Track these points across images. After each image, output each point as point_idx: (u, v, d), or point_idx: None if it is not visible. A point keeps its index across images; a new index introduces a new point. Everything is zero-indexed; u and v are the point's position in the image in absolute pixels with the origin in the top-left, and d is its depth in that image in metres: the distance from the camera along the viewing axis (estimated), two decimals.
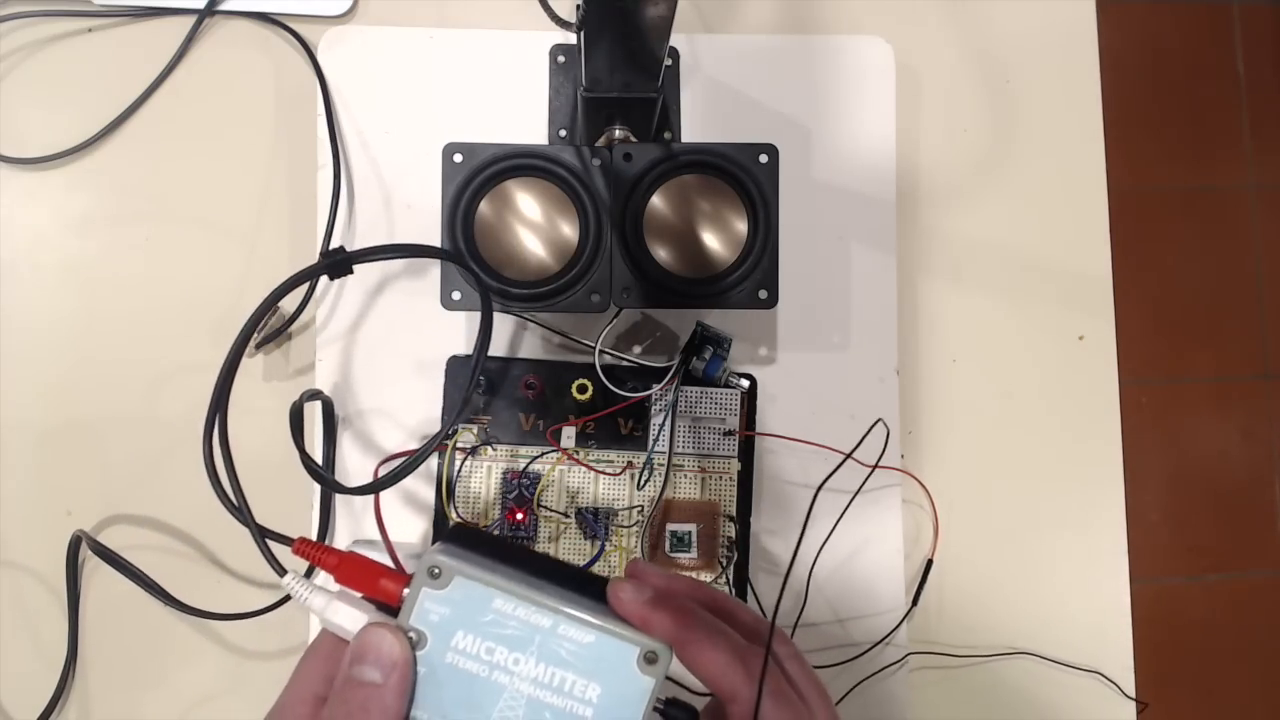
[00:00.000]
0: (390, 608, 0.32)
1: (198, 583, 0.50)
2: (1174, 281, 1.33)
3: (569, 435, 0.50)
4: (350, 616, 0.32)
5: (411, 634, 0.31)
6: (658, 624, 0.31)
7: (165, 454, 0.51)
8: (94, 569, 0.50)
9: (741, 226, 0.46)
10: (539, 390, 0.50)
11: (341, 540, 0.50)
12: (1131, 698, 0.52)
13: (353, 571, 0.33)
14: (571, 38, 0.53)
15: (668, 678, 0.31)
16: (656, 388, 0.49)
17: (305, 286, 0.51)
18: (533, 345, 0.51)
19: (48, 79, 0.53)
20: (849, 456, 0.41)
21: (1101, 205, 0.55)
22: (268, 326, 0.50)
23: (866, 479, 0.45)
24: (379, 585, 0.33)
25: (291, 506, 0.50)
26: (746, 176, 0.45)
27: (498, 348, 0.51)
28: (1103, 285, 0.54)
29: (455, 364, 0.50)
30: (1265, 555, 1.31)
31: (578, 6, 0.39)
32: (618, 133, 0.47)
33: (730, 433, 0.50)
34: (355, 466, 0.50)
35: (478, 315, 0.51)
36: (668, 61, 0.52)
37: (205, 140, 0.53)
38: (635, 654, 0.31)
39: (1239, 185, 1.37)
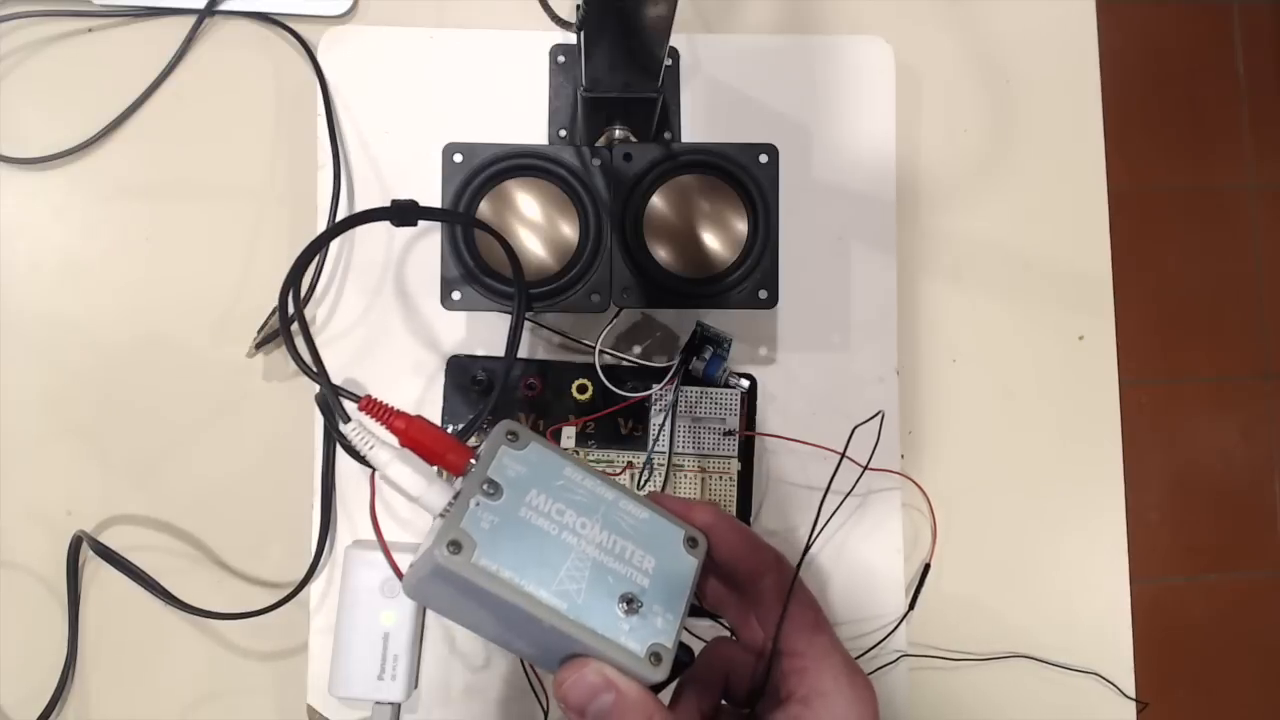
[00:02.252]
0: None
1: (198, 582, 0.50)
2: (1174, 281, 1.33)
3: (569, 435, 0.50)
4: (411, 476, 0.33)
5: (486, 485, 0.31)
6: (697, 513, 0.34)
7: (166, 454, 0.51)
8: (94, 569, 0.50)
9: (741, 226, 0.46)
10: (539, 390, 0.50)
11: (342, 540, 0.50)
12: (1131, 698, 0.52)
13: (419, 435, 0.33)
14: (571, 38, 0.53)
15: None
16: (656, 388, 0.49)
17: (306, 287, 0.51)
18: (533, 345, 0.51)
19: (48, 79, 0.53)
20: (843, 457, 0.41)
21: (1101, 205, 0.55)
22: (268, 326, 0.50)
23: (836, 473, 0.45)
24: (444, 451, 0.33)
25: (292, 505, 0.50)
26: (746, 176, 0.45)
27: (498, 348, 0.51)
28: (1103, 285, 0.54)
29: (455, 364, 0.50)
30: (1265, 555, 1.31)
31: (578, 6, 0.39)
32: (618, 133, 0.47)
33: (730, 433, 0.50)
34: (353, 465, 0.50)
35: (478, 315, 0.51)
36: (668, 61, 0.52)
37: (205, 140, 0.53)
38: (681, 536, 0.33)
39: (1239, 185, 1.37)
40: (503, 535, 0.30)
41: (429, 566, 0.30)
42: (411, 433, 0.33)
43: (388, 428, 0.34)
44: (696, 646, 0.34)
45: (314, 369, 0.36)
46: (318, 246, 0.35)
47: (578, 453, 0.49)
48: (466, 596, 0.30)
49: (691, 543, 0.33)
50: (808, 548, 0.42)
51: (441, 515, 0.32)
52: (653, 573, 0.32)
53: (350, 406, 0.35)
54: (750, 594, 0.34)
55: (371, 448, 0.33)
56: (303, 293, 0.51)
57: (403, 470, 0.33)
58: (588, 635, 0.30)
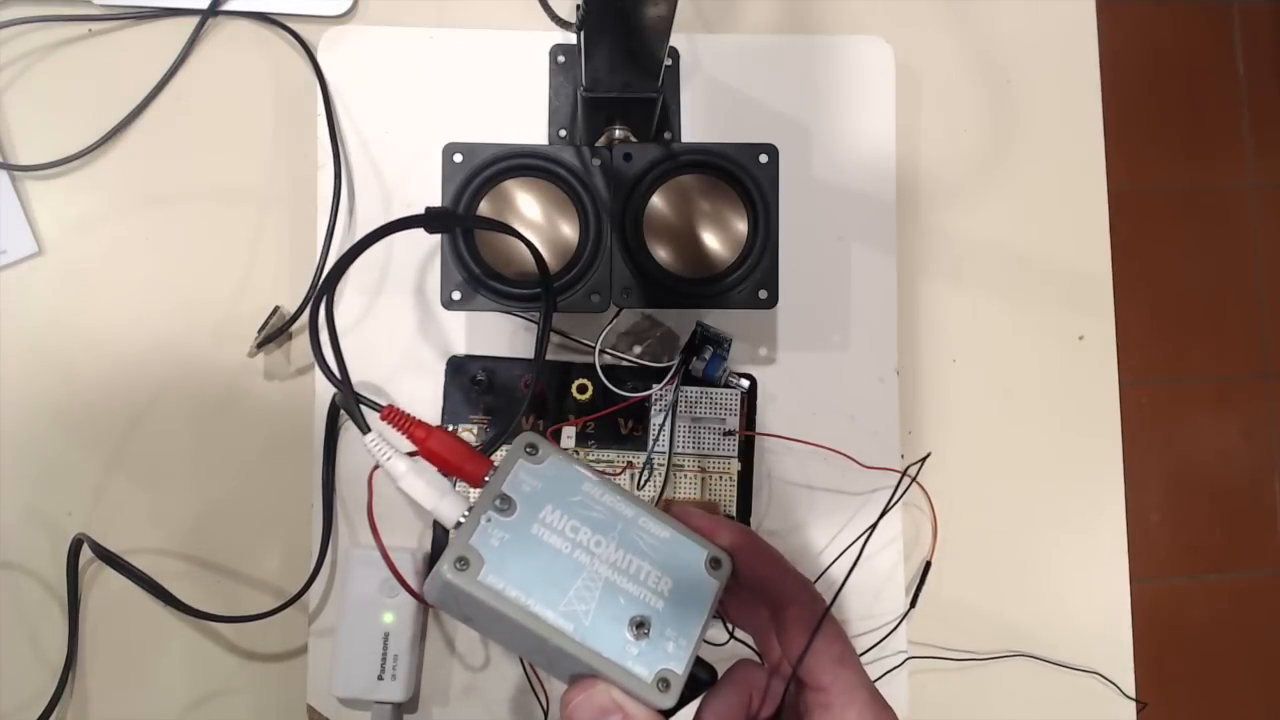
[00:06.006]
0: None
1: (198, 584, 0.50)
2: (1174, 281, 1.33)
3: (569, 435, 0.50)
4: (425, 489, 0.33)
5: (499, 500, 0.31)
6: (725, 533, 0.33)
7: (166, 454, 0.51)
8: (95, 571, 0.50)
9: (741, 226, 0.46)
10: (539, 390, 0.49)
11: (343, 541, 0.50)
12: (1131, 698, 0.52)
13: (438, 446, 0.33)
14: (571, 38, 0.53)
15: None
16: (656, 388, 0.49)
17: (307, 288, 0.51)
18: (533, 345, 0.51)
19: (49, 84, 0.53)
20: (913, 479, 0.41)
21: (1101, 205, 0.55)
22: (269, 326, 0.50)
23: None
24: (463, 463, 0.33)
25: (292, 506, 0.50)
26: (746, 176, 0.45)
27: (498, 348, 0.51)
28: (1103, 285, 0.54)
29: (455, 364, 0.50)
30: (1265, 555, 1.31)
31: (578, 6, 0.39)
32: (618, 133, 0.47)
33: (730, 433, 0.50)
34: (353, 466, 0.50)
35: (478, 315, 0.51)
36: (668, 61, 0.52)
37: (204, 141, 0.53)
38: (704, 556, 0.32)
39: (1239, 185, 1.37)
40: (512, 552, 0.30)
41: (438, 581, 0.30)
42: (430, 444, 0.33)
43: (408, 437, 0.34)
44: (721, 667, 0.34)
45: (339, 378, 0.36)
46: (351, 257, 0.34)
47: (578, 453, 0.49)
48: (475, 611, 0.30)
49: (714, 564, 0.32)
50: (843, 584, 0.42)
51: (456, 529, 0.32)
52: (668, 594, 0.31)
53: (371, 417, 0.35)
54: (775, 620, 0.33)
55: (389, 459, 0.33)
56: (302, 294, 0.51)
57: (416, 483, 0.33)
58: (593, 658, 0.29)
